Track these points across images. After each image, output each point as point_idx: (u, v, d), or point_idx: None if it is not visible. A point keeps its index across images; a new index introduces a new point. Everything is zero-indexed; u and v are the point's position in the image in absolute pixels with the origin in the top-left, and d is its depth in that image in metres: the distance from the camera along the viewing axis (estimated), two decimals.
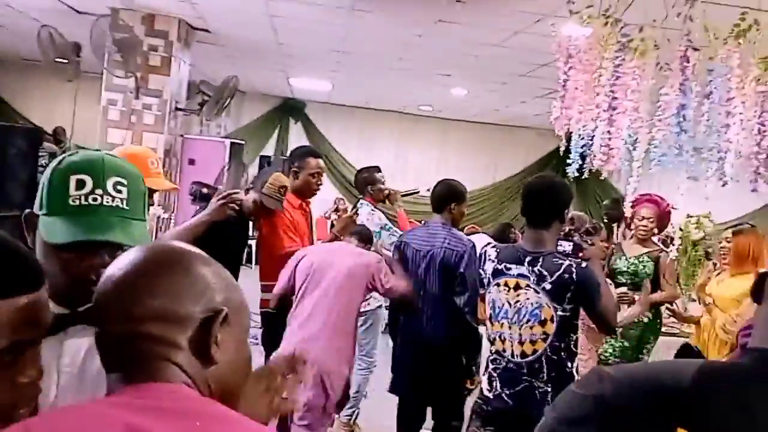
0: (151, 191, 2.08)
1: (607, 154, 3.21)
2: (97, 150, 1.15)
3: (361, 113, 10.26)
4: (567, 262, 2.23)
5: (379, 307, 3.81)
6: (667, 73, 2.87)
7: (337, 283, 2.82)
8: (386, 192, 4.03)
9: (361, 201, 4.10)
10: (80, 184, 0.99)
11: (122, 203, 1.00)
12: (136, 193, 1.04)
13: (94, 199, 0.99)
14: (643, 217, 3.81)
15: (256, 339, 3.29)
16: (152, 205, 2.17)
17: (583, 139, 3.40)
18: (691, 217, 5.10)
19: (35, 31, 5.38)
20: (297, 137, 10.17)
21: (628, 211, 4.06)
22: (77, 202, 0.99)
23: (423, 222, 3.71)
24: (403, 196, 4.26)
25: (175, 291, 0.75)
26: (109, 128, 5.31)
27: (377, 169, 4.25)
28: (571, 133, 3.31)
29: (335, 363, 2.76)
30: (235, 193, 2.78)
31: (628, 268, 3.70)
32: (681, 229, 4.95)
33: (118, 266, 0.78)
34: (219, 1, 4.72)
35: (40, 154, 7.53)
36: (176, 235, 2.84)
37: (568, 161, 3.50)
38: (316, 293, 2.84)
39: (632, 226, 4.05)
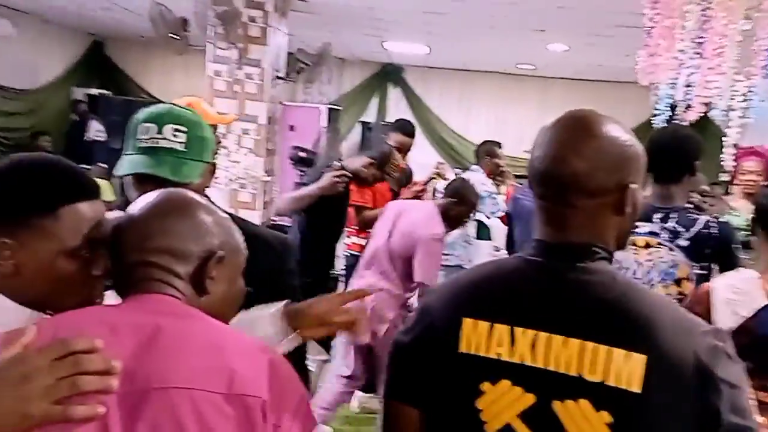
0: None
1: (696, 104, 3.11)
2: (172, 104, 1.38)
3: (459, 75, 10.20)
4: (705, 217, 2.13)
5: (459, 266, 3.95)
6: (759, 15, 2.73)
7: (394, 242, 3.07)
8: (501, 169, 4.26)
9: (473, 167, 4.36)
10: (145, 131, 1.23)
11: (179, 146, 1.22)
12: (195, 138, 1.25)
13: (155, 142, 1.22)
14: (749, 171, 3.57)
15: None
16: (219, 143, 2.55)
17: (672, 88, 3.30)
18: None
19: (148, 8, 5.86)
20: (396, 102, 10.32)
21: (730, 165, 3.85)
22: (143, 145, 1.23)
23: None
24: (517, 177, 4.48)
25: (181, 232, 0.93)
26: (216, 98, 5.69)
27: (499, 145, 4.51)
28: (657, 84, 3.23)
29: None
30: (347, 174, 3.16)
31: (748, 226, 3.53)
32: None
33: (137, 207, 0.96)
34: None
35: None
36: (289, 201, 3.17)
37: (655, 112, 3.42)
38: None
39: (736, 181, 3.83)
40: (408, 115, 9.95)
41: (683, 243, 2.10)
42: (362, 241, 3.63)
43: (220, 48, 5.51)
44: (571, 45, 7.26)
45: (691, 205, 2.27)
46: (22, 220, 0.92)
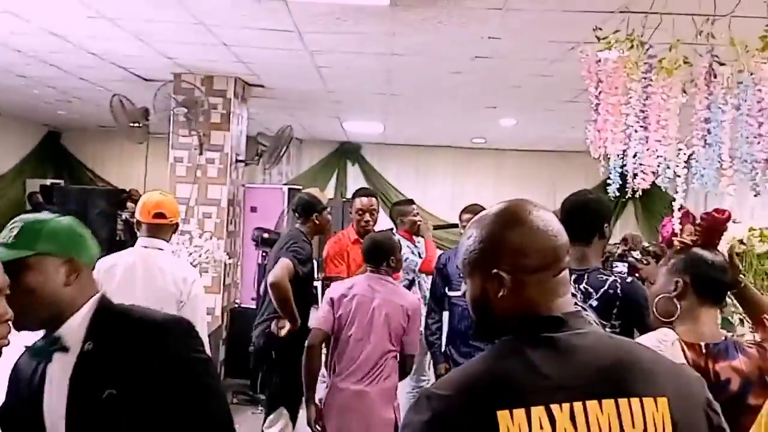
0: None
1: (644, 173, 3.28)
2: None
3: (415, 151, 10.55)
4: (612, 278, 2.26)
5: None
6: (694, 90, 2.95)
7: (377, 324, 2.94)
8: (417, 224, 4.34)
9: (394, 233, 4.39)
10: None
11: (7, 239, 1.33)
12: (26, 231, 1.34)
13: None
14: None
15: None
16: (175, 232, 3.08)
17: (621, 159, 3.49)
18: (755, 230, 4.98)
19: (108, 100, 5.94)
20: (355, 179, 10.53)
21: (678, 228, 4.04)
22: None
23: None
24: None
25: None
26: (177, 183, 5.72)
27: (409, 201, 4.68)
28: (609, 156, 3.41)
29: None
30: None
31: None
32: (743, 243, 4.85)
33: None
34: (269, 59, 5.10)
35: (118, 212, 8.18)
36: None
37: (608, 182, 3.59)
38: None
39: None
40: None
41: (594, 303, 2.22)
42: None
43: (182, 135, 5.59)
44: (519, 119, 7.62)
45: (625, 264, 2.45)
46: None
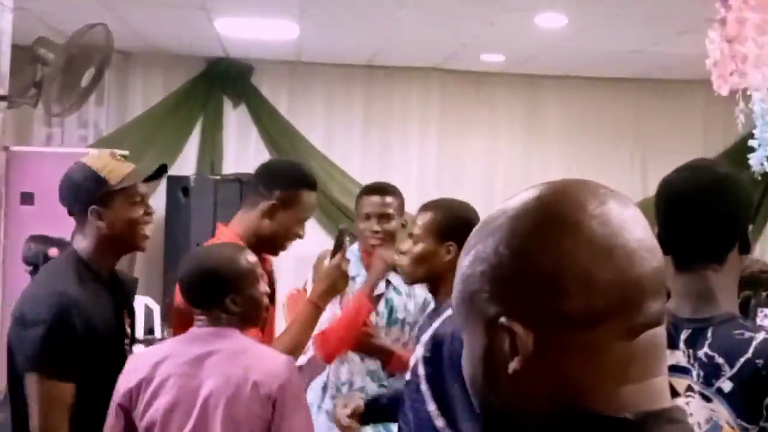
0: None
1: None
2: None
3: (364, 76, 10.59)
4: (762, 336, 2.30)
5: None
6: None
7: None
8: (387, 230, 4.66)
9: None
10: None
11: None
12: None
13: None
14: None
15: None
16: None
17: None
18: None
19: None
20: (239, 133, 10.49)
21: None
22: None
23: None
24: None
25: None
26: None
27: (380, 189, 4.91)
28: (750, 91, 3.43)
29: None
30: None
31: None
32: None
33: None
34: None
35: None
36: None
37: (751, 144, 3.62)
38: None
39: None
40: (262, 154, 10.00)
41: (725, 386, 2.28)
42: None
43: None
44: (573, 17, 7.67)
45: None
46: None
